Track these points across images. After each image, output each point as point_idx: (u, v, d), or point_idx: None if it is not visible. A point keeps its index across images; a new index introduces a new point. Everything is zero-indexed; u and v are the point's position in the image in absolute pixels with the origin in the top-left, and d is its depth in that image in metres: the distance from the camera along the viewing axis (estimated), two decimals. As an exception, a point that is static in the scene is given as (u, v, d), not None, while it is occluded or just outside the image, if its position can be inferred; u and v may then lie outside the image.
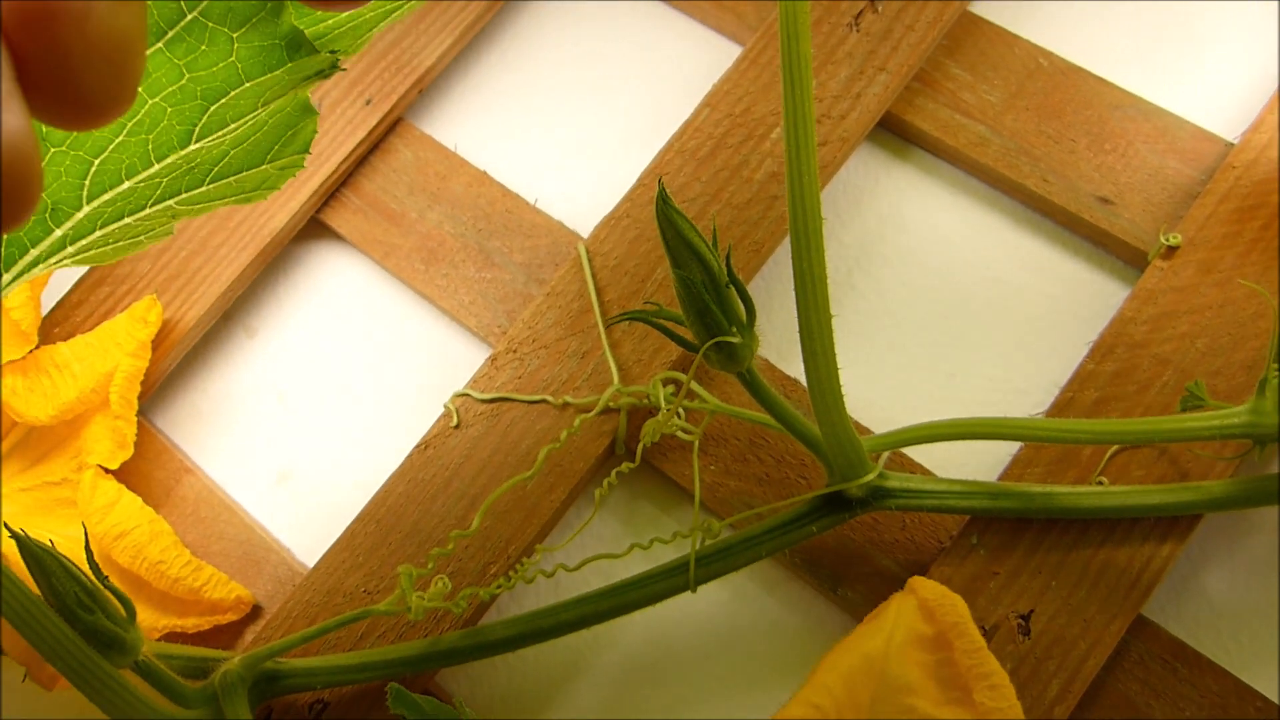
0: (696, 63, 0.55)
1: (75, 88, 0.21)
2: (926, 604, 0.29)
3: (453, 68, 0.57)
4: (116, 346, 0.49)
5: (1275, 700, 0.40)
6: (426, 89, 0.57)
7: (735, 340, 0.37)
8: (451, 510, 0.47)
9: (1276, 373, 0.36)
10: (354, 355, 0.53)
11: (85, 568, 0.37)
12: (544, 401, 0.47)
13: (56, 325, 0.53)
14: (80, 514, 0.47)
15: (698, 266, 0.37)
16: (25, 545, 0.35)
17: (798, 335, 0.37)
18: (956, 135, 0.50)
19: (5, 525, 0.36)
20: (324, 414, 0.53)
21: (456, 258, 0.52)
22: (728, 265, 0.37)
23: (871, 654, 0.28)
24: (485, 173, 0.54)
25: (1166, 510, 0.41)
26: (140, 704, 0.38)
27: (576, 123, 0.56)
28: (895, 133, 0.52)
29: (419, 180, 0.54)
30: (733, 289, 0.37)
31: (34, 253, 0.34)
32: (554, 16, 0.58)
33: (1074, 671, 0.40)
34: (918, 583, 0.31)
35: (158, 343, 0.51)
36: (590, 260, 0.50)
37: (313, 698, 0.45)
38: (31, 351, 0.49)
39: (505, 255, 0.52)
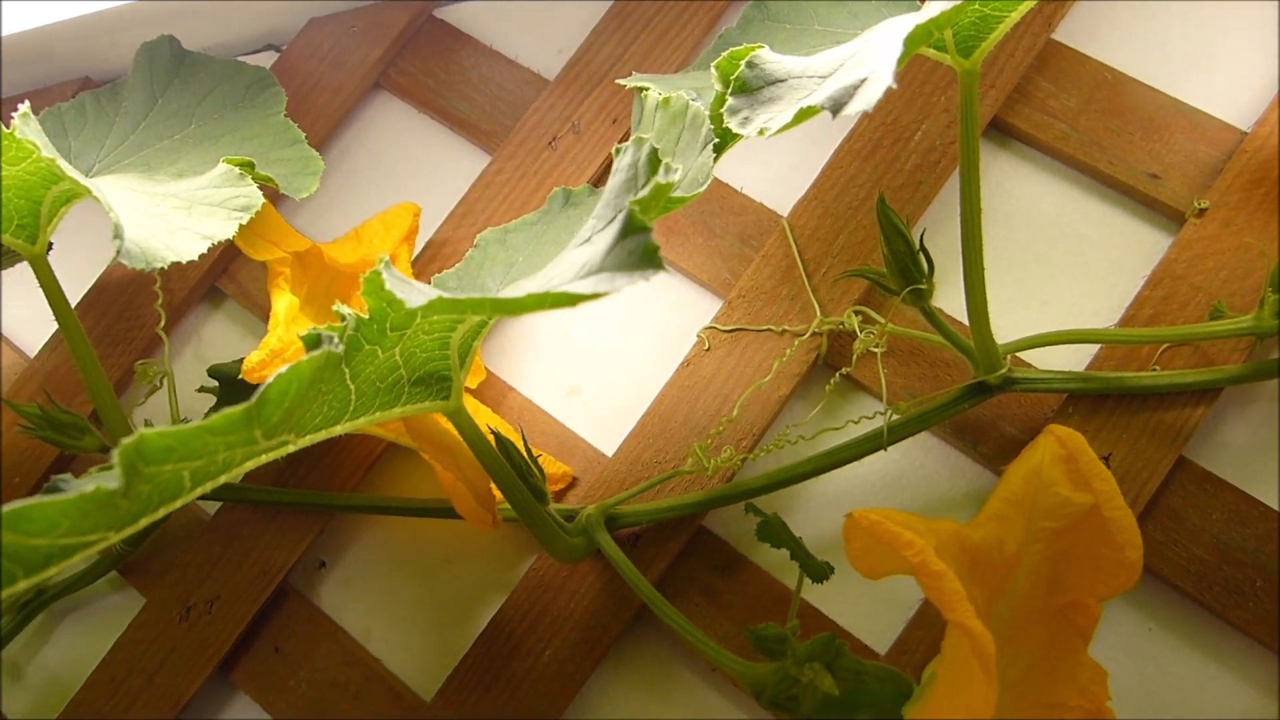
0: (853, 82, 0.75)
1: None
2: (1060, 438, 0.51)
3: (672, 92, 0.78)
4: (464, 305, 0.71)
5: (1273, 506, 0.61)
6: (653, 108, 0.77)
7: (924, 287, 0.58)
8: (710, 406, 0.69)
9: (1272, 293, 0.58)
10: (617, 304, 0.75)
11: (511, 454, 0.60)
12: (768, 330, 0.69)
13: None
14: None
15: (901, 240, 0.58)
16: (498, 438, 0.57)
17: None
18: (1046, 131, 0.71)
19: (488, 428, 0.58)
20: (598, 346, 0.74)
21: (688, 232, 0.74)
22: (921, 241, 0.58)
23: (1034, 466, 0.50)
24: (702, 169, 0.75)
25: (1199, 385, 0.62)
26: (555, 530, 0.61)
27: (767, 130, 0.76)
28: (1001, 130, 0.73)
29: (654, 176, 0.75)
30: (920, 254, 0.59)
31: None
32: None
33: (1138, 492, 0.62)
34: (1053, 427, 0.52)
35: (480, 301, 0.73)
36: (791, 230, 0.71)
37: (629, 533, 0.67)
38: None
39: (724, 229, 0.73)
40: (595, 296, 0.31)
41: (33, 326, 0.86)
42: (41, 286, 0.61)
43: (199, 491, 0.35)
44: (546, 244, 0.53)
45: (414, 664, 0.71)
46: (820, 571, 0.52)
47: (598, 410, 0.73)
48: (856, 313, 0.67)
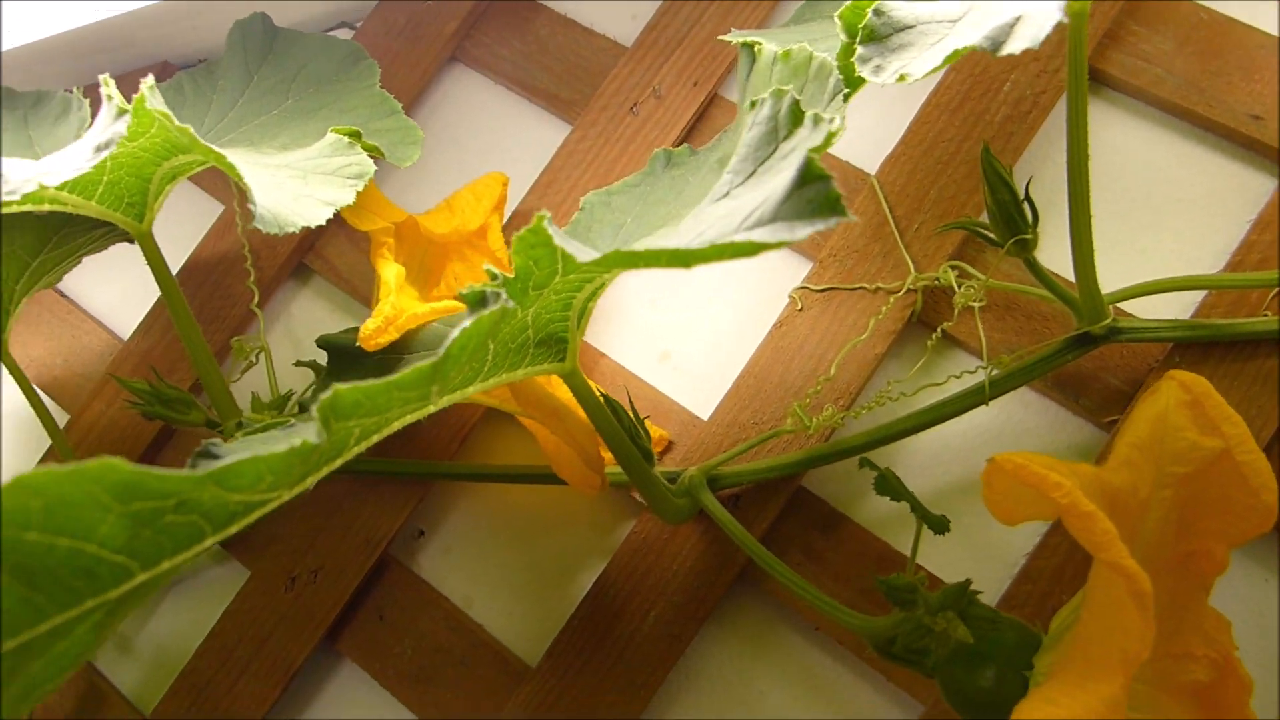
0: (938, 35, 0.74)
1: None
2: (1184, 383, 0.50)
3: (753, 52, 0.77)
4: (554, 273, 0.71)
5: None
6: (732, 68, 0.77)
7: (1029, 237, 0.58)
8: (804, 366, 0.69)
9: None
10: (704, 269, 0.75)
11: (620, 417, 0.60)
12: (861, 288, 0.69)
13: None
14: (554, 385, 0.70)
15: (1006, 190, 0.57)
16: (607, 400, 0.58)
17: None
18: (1140, 76, 0.69)
19: (603, 396, 0.58)
20: (686, 312, 0.75)
21: (774, 193, 0.73)
22: (1026, 191, 0.57)
23: (1160, 411, 0.49)
24: (786, 129, 0.74)
25: (1313, 330, 0.61)
26: (664, 491, 0.61)
27: (852, 87, 0.75)
28: (1093, 79, 0.71)
29: (737, 138, 0.75)
30: (1025, 204, 0.58)
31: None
32: (819, 5, 0.77)
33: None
34: (1175, 373, 0.51)
35: (568, 269, 0.73)
36: (880, 187, 0.70)
37: (730, 494, 0.67)
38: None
39: (811, 188, 0.73)
40: (778, 245, 0.31)
41: (121, 310, 0.87)
42: (149, 264, 0.62)
43: (354, 453, 0.36)
44: (653, 205, 0.53)
45: (516, 630, 0.72)
46: (940, 524, 0.52)
47: (689, 375, 0.73)
48: (952, 267, 0.67)
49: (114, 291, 0.88)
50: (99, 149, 0.43)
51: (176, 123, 0.45)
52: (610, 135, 0.76)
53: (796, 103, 0.37)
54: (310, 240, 0.81)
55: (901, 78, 0.39)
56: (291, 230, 0.45)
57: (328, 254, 0.80)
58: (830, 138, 0.34)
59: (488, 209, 0.69)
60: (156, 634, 0.80)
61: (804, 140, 0.35)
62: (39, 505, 0.26)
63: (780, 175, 0.34)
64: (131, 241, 0.73)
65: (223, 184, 0.83)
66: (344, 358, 0.58)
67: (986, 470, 0.42)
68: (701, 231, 0.34)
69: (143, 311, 0.84)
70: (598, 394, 0.65)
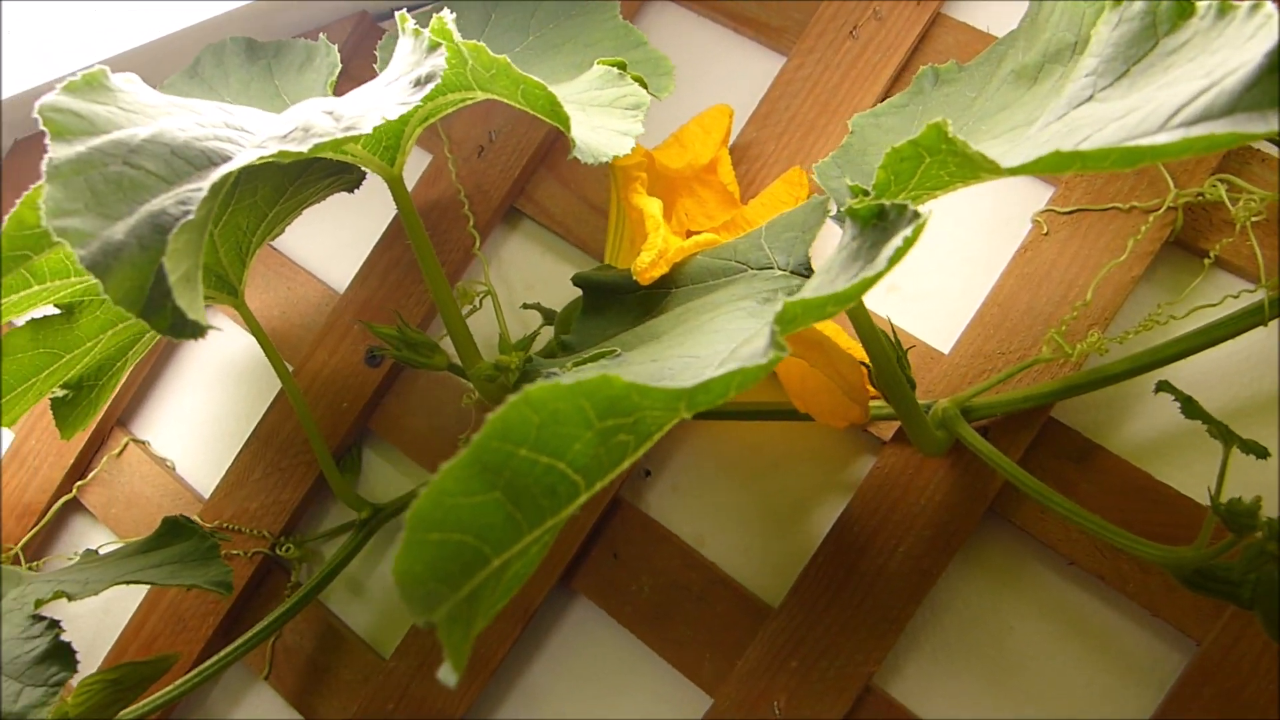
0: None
1: None
2: None
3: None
4: (782, 204, 0.70)
5: None
6: (958, -15, 0.74)
7: (1329, 142, 0.54)
8: (1053, 293, 0.66)
9: None
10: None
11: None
12: (1114, 208, 0.66)
13: (710, 197, 0.74)
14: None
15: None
16: (879, 333, 0.56)
17: None
18: None
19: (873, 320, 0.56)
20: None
21: (1009, 113, 0.70)
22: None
23: None
24: (1018, 45, 0.71)
25: None
26: (926, 422, 0.59)
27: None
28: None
29: (963, 59, 0.72)
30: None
31: None
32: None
33: None
34: None
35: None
36: (1129, 102, 0.66)
37: (977, 426, 0.65)
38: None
39: (1049, 106, 0.69)
40: (1264, 135, 0.29)
41: (328, 262, 0.89)
42: (399, 207, 0.63)
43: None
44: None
45: (750, 566, 0.72)
46: (1258, 449, 0.49)
47: (920, 306, 0.71)
48: (1221, 181, 0.63)
49: (321, 244, 0.89)
50: (419, 83, 0.43)
51: (490, 54, 0.45)
52: (829, 61, 0.74)
53: (1184, -9, 0.34)
54: (521, 184, 0.80)
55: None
56: (604, 161, 0.45)
57: (538, 196, 0.80)
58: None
59: (717, 142, 0.68)
60: (385, 576, 0.82)
61: (1204, 30, 0.33)
62: (536, 421, 0.26)
63: (1188, 69, 0.31)
64: (350, 191, 0.74)
65: (429, 134, 0.84)
66: (601, 294, 0.58)
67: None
68: (1087, 135, 0.32)
69: (348, 263, 0.85)
70: (841, 329, 0.64)
